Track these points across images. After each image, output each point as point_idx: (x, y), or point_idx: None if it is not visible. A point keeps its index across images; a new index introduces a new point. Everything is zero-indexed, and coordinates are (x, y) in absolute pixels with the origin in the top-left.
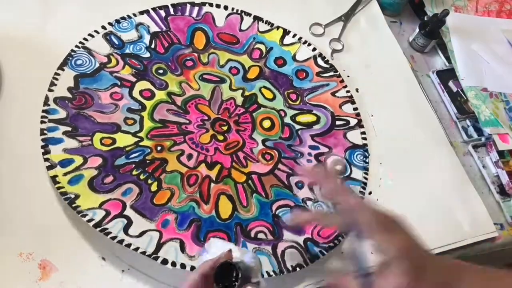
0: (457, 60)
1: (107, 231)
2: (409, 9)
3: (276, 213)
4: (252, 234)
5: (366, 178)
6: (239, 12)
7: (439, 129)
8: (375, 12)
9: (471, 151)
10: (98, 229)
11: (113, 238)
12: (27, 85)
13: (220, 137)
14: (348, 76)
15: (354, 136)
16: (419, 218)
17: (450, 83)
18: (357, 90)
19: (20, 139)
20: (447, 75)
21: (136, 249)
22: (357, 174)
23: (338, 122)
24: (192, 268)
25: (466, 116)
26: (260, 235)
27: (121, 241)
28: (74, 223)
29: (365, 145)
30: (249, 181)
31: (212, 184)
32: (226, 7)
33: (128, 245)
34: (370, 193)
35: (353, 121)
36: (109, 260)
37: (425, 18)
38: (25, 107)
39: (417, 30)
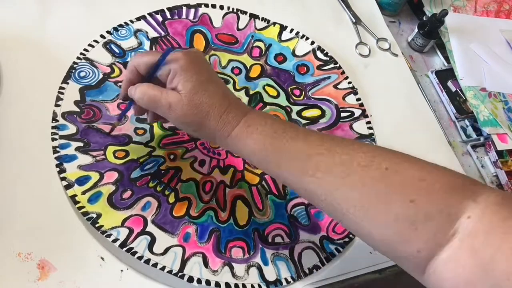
0: (456, 60)
1: (133, 250)
2: (408, 9)
3: (292, 213)
4: (270, 239)
5: None
6: (234, 10)
7: (438, 129)
8: (373, 11)
9: (470, 151)
10: (124, 249)
11: (140, 258)
12: (27, 84)
13: None
14: (346, 77)
15: (360, 127)
16: None
17: (449, 83)
18: (356, 91)
19: (19, 139)
20: (446, 75)
21: (163, 268)
22: None
23: (343, 114)
24: (217, 284)
25: (465, 116)
26: (277, 239)
27: (147, 261)
28: (72, 222)
29: (372, 134)
30: (263, 182)
31: (227, 189)
32: (222, 7)
33: (155, 265)
34: None
35: (357, 112)
36: (108, 260)
37: (424, 18)
38: (25, 107)
39: (416, 30)
